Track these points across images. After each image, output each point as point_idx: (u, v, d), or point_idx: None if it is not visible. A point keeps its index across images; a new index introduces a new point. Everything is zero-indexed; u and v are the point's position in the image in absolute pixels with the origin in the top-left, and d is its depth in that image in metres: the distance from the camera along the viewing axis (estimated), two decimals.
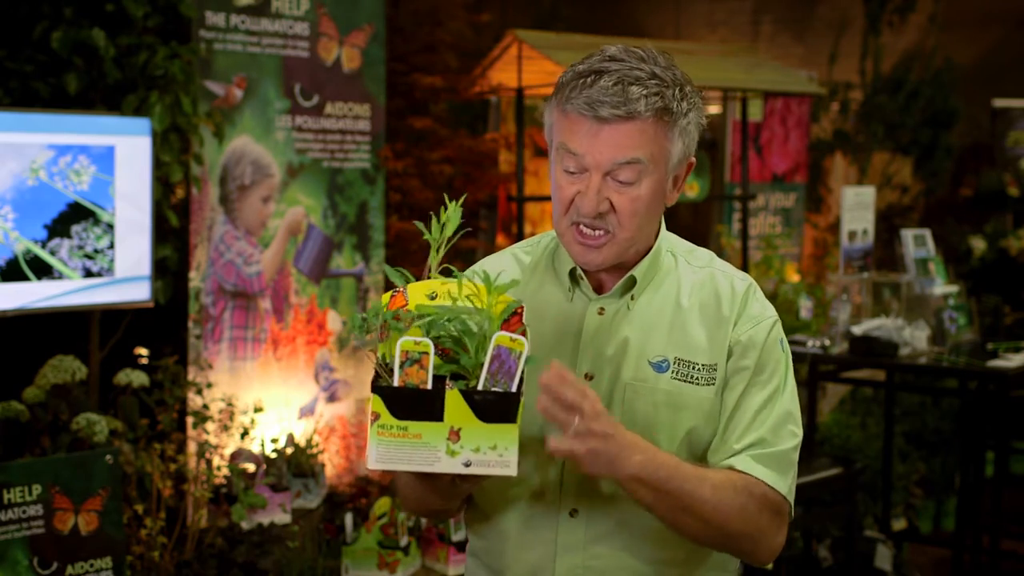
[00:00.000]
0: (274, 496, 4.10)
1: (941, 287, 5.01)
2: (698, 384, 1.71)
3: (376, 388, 1.47)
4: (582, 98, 1.63)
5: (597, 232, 1.68)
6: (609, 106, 1.62)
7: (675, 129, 1.68)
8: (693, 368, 1.72)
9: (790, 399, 1.74)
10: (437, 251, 1.62)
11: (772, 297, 6.09)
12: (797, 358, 4.80)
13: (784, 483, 1.70)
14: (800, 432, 1.74)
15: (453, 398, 1.47)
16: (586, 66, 1.67)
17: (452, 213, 1.62)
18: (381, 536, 3.94)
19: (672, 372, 1.71)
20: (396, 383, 1.47)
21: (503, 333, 1.48)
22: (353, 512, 4.15)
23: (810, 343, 4.70)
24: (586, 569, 1.72)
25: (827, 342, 4.70)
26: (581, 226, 1.68)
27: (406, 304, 1.54)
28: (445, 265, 1.65)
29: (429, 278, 1.60)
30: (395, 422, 1.46)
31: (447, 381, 1.49)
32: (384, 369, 1.51)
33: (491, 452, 1.48)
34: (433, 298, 1.56)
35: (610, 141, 1.64)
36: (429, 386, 1.47)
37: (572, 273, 1.76)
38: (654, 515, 1.64)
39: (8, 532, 3.01)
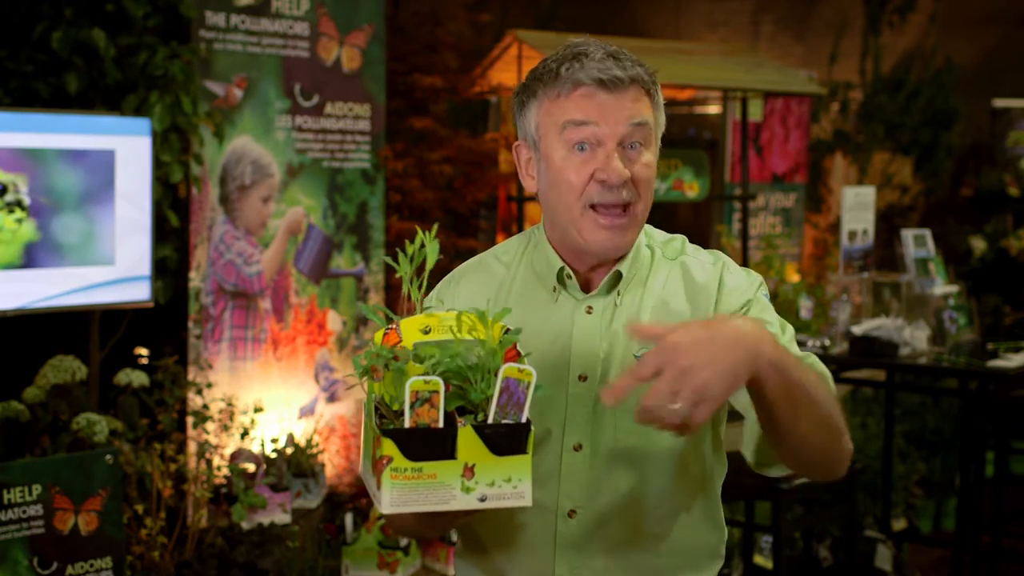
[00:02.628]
0: (274, 496, 4.10)
1: (941, 287, 5.01)
2: None
3: (388, 432, 1.43)
4: (586, 70, 1.64)
5: (616, 210, 1.66)
6: (617, 70, 1.63)
7: (657, 100, 1.70)
8: None
9: (791, 338, 1.71)
10: (412, 283, 1.57)
11: (772, 297, 6.10)
12: None
13: (831, 382, 1.68)
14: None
15: (466, 435, 1.44)
16: (565, 52, 1.68)
17: (430, 246, 1.57)
18: (381, 536, 3.94)
19: None
20: (407, 424, 1.43)
21: (511, 365, 1.46)
22: (353, 512, 4.16)
23: (810, 343, 4.70)
24: (586, 569, 1.71)
25: (827, 342, 4.70)
26: (600, 208, 1.66)
27: (400, 341, 1.52)
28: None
29: (411, 312, 1.57)
30: (409, 464, 1.43)
31: (458, 418, 1.47)
32: (387, 409, 1.48)
33: (506, 485, 1.46)
34: (427, 332, 1.53)
35: (621, 106, 1.64)
36: (441, 424, 1.44)
37: (560, 273, 1.74)
38: (773, 417, 1.54)
39: (8, 532, 3.01)
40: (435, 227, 1.61)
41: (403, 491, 1.43)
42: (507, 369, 1.46)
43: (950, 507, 5.62)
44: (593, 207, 1.66)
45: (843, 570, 4.59)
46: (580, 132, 1.65)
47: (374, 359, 1.47)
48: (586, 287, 1.75)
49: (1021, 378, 4.55)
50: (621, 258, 1.73)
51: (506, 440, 1.46)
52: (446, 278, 1.84)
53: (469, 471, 1.45)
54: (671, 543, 1.73)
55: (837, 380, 5.33)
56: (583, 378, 1.71)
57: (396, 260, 1.58)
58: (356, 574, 3.93)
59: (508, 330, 1.53)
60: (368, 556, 3.93)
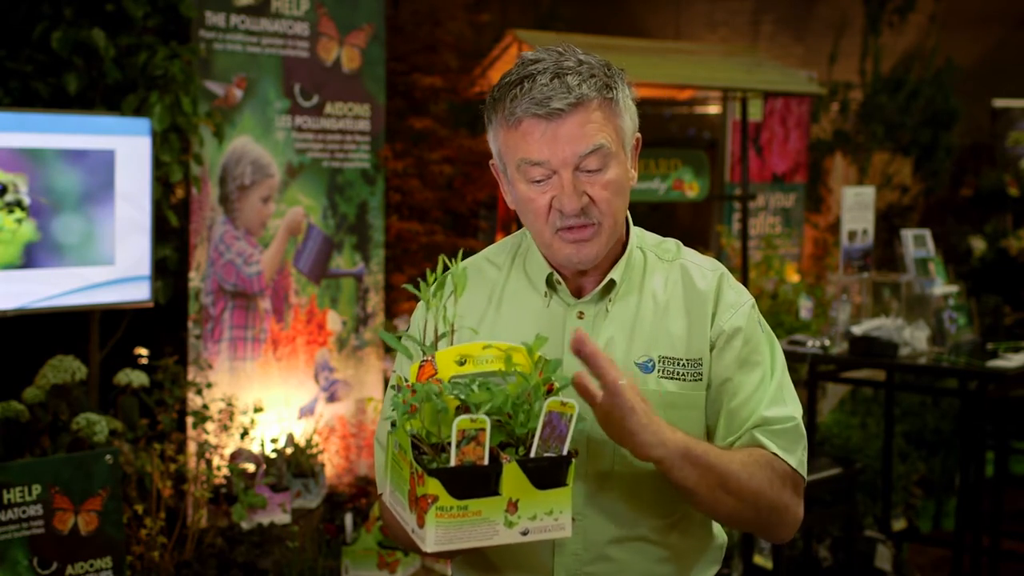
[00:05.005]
0: (274, 496, 4.10)
1: (941, 287, 5.01)
2: (684, 380, 1.71)
3: (434, 471, 1.42)
4: (527, 100, 1.62)
5: (583, 228, 1.67)
6: (557, 98, 1.61)
7: (619, 107, 1.67)
8: (677, 364, 1.71)
9: (781, 374, 1.74)
10: (437, 312, 1.58)
11: (772, 297, 6.10)
12: (797, 358, 4.83)
13: (795, 456, 1.70)
14: (798, 404, 1.75)
15: (510, 470, 1.45)
16: (513, 76, 1.66)
17: (459, 279, 1.59)
18: (381, 536, 3.94)
19: (658, 371, 1.71)
20: (453, 462, 1.43)
21: (554, 399, 1.46)
22: (353, 512, 4.16)
23: (810, 343, 4.70)
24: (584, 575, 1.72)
25: (827, 342, 4.70)
26: (566, 229, 1.67)
27: (436, 373, 1.52)
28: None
29: (435, 342, 1.57)
30: (455, 503, 1.42)
31: (501, 453, 1.47)
32: (425, 445, 1.47)
33: (547, 518, 1.47)
34: (462, 364, 1.53)
35: (569, 135, 1.63)
36: (486, 462, 1.44)
37: (549, 279, 1.75)
38: (692, 498, 1.62)
39: (8, 532, 3.01)
40: (459, 254, 1.64)
41: (448, 529, 1.43)
42: (551, 403, 1.46)
43: (950, 507, 5.62)
44: (560, 230, 1.68)
45: (843, 570, 4.59)
46: (533, 170, 1.66)
47: (416, 397, 1.47)
48: (578, 292, 1.76)
49: (1021, 378, 4.54)
50: (614, 265, 1.74)
51: (549, 474, 1.47)
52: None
53: (512, 506, 1.45)
54: (667, 550, 1.74)
55: (837, 380, 5.36)
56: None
57: (417, 287, 1.60)
58: (356, 574, 3.93)
59: (544, 360, 1.54)
60: (368, 556, 3.93)
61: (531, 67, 1.65)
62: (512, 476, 1.45)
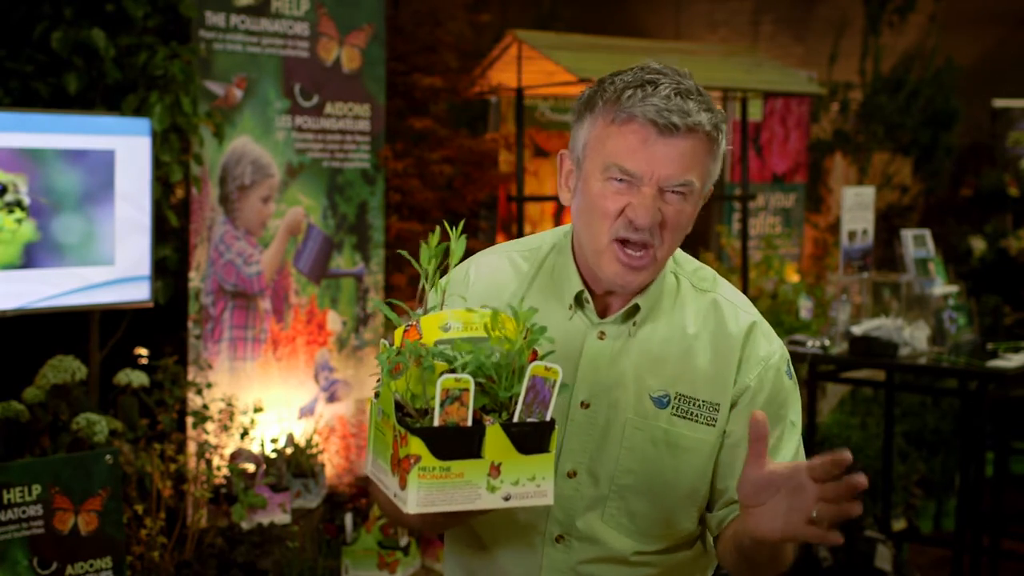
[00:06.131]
0: (274, 496, 4.10)
1: (941, 287, 5.01)
2: (696, 422, 1.67)
3: (417, 430, 1.41)
4: (648, 104, 1.56)
5: (639, 253, 1.61)
6: (677, 115, 1.56)
7: (719, 149, 1.63)
8: (694, 404, 1.67)
9: (799, 430, 1.71)
10: (430, 280, 1.56)
11: (772, 297, 6.10)
12: (797, 358, 4.82)
13: None
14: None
15: (494, 433, 1.43)
16: (633, 76, 1.60)
17: (456, 244, 1.56)
18: (381, 536, 3.94)
19: (672, 408, 1.67)
20: (437, 422, 1.41)
21: (538, 363, 1.46)
22: (353, 512, 4.16)
23: (810, 343, 4.70)
24: None
25: (827, 342, 4.70)
26: (626, 243, 1.61)
27: (420, 338, 1.50)
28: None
29: (426, 310, 1.56)
30: (437, 463, 1.41)
31: (484, 416, 1.46)
32: (410, 407, 1.46)
33: (529, 483, 1.46)
34: (447, 329, 1.52)
35: (671, 157, 1.57)
36: (469, 423, 1.43)
37: (579, 295, 1.70)
38: (749, 569, 1.63)
39: (8, 532, 3.01)
40: (461, 224, 1.59)
41: (430, 491, 1.42)
42: (535, 367, 1.45)
43: (950, 507, 5.62)
44: (618, 240, 1.62)
45: (843, 570, 4.59)
46: (620, 173, 1.60)
47: (401, 356, 1.46)
48: (603, 312, 1.71)
49: (1021, 378, 4.54)
50: (643, 289, 1.68)
51: (532, 438, 1.45)
52: (460, 265, 1.77)
53: (495, 470, 1.44)
54: (659, 568, 1.72)
55: (837, 380, 5.36)
56: (585, 405, 1.68)
57: (412, 256, 1.57)
58: (356, 574, 3.93)
59: (533, 327, 1.52)
60: (368, 556, 3.93)
61: (653, 75, 1.60)
62: (495, 439, 1.43)
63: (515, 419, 1.45)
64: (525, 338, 1.49)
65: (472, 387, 1.42)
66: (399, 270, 5.08)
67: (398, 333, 1.52)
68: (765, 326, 1.74)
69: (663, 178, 1.58)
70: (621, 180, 1.60)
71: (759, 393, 1.68)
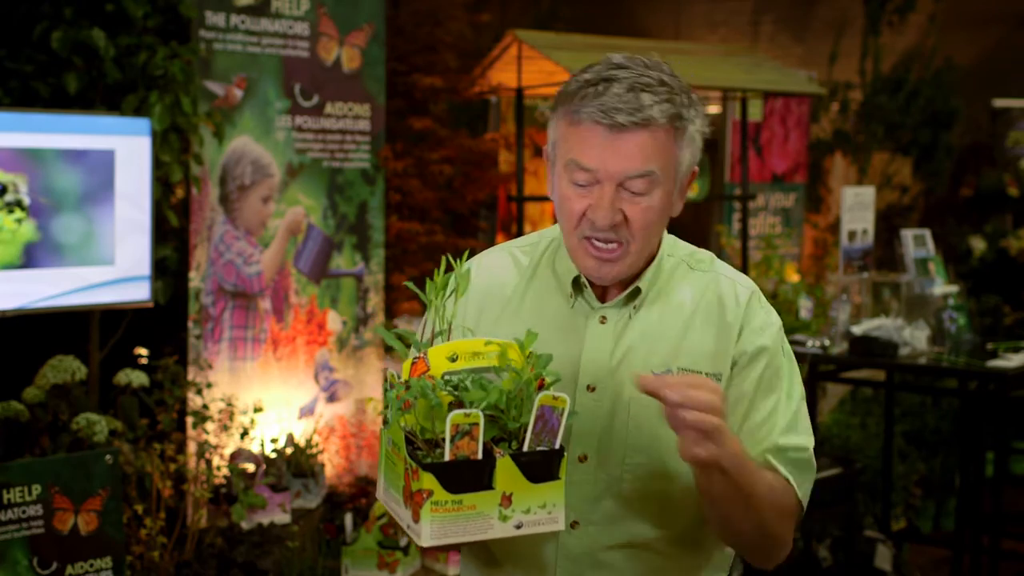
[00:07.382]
0: (274, 496, 4.10)
1: (941, 287, 5.01)
2: None
3: (429, 466, 1.44)
4: (595, 105, 1.59)
5: (611, 245, 1.64)
6: (624, 112, 1.58)
7: (684, 137, 1.64)
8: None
9: (799, 402, 1.73)
10: (438, 312, 1.59)
11: (772, 297, 6.10)
12: (797, 358, 4.81)
13: (802, 489, 1.70)
14: (811, 435, 1.73)
15: (504, 464, 1.47)
16: (593, 74, 1.62)
17: (461, 278, 1.60)
18: (381, 536, 3.94)
19: None
20: (448, 457, 1.45)
21: (546, 393, 1.48)
22: (353, 512, 4.16)
23: (810, 343, 4.70)
24: None
25: (827, 342, 4.70)
26: (594, 240, 1.64)
27: (428, 370, 1.53)
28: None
29: (431, 340, 1.58)
30: (449, 497, 1.45)
31: (495, 448, 1.49)
32: (419, 440, 1.49)
33: (540, 511, 1.49)
34: (454, 360, 1.54)
35: (624, 152, 1.60)
36: (480, 456, 1.46)
37: (576, 281, 1.72)
38: (711, 507, 1.62)
39: (8, 532, 3.01)
40: (465, 255, 1.64)
41: (443, 524, 1.45)
42: (543, 397, 1.48)
43: (950, 507, 5.62)
44: (588, 238, 1.65)
45: (843, 570, 4.59)
46: (579, 174, 1.63)
47: (410, 392, 1.48)
48: (603, 297, 1.73)
49: (1021, 378, 4.54)
50: (641, 273, 1.71)
51: (541, 467, 1.49)
52: (466, 264, 1.79)
53: (507, 500, 1.48)
54: (674, 558, 1.73)
55: (837, 380, 5.36)
56: (591, 388, 1.69)
57: (419, 286, 1.61)
58: (356, 574, 3.93)
59: (535, 355, 1.55)
60: (368, 556, 3.93)
61: (612, 71, 1.61)
62: (506, 470, 1.47)
63: (524, 449, 1.48)
64: (531, 367, 1.52)
65: (482, 421, 1.45)
66: (399, 270, 5.08)
67: (406, 366, 1.55)
68: (763, 298, 1.77)
69: (618, 173, 1.61)
70: (582, 184, 1.63)
71: (757, 359, 1.71)
